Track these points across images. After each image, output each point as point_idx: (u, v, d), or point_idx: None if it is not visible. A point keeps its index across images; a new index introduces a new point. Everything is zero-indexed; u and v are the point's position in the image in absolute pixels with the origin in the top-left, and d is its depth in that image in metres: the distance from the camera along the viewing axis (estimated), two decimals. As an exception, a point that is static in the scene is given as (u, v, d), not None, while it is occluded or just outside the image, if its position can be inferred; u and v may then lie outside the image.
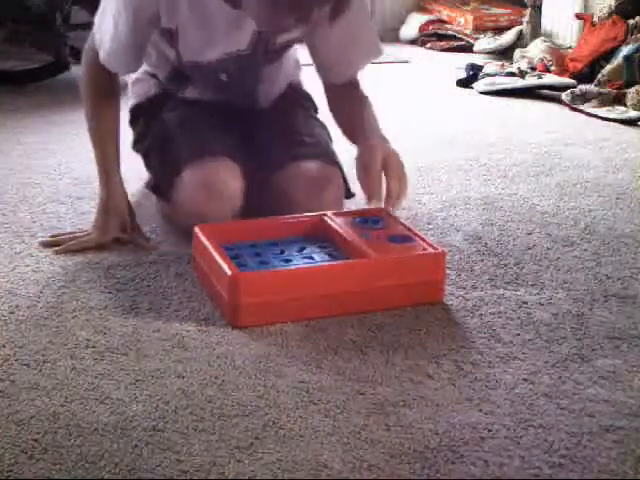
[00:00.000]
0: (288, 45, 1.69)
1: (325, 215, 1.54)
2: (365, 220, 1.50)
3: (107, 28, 1.56)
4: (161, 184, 1.69)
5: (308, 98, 1.89)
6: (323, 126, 1.82)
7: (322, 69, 1.67)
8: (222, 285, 1.34)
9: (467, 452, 1.03)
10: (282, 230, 1.53)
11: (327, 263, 1.43)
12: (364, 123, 1.61)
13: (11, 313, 1.36)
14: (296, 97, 1.85)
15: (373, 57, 1.67)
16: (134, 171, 1.78)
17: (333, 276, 1.37)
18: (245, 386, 1.16)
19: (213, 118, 1.73)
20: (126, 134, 1.77)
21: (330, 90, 1.69)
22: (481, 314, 1.38)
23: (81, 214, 1.78)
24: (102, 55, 1.58)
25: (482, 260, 1.58)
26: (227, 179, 1.58)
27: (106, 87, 1.64)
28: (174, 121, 1.72)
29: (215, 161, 1.60)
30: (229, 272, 1.32)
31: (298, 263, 1.43)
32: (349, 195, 1.71)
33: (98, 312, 1.37)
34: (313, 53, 1.66)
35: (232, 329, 1.31)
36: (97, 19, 1.60)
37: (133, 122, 1.84)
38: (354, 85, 1.68)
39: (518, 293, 1.45)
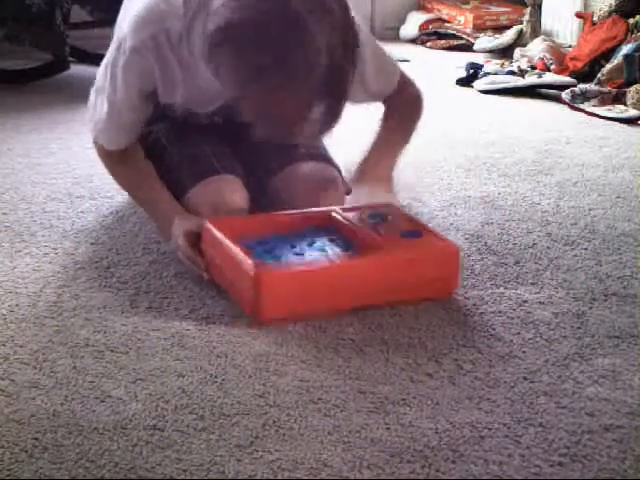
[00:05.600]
0: None
1: (334, 210, 1.54)
2: (374, 215, 1.50)
3: (102, 108, 1.57)
4: None
5: None
6: None
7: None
8: (243, 282, 1.34)
9: (467, 451, 1.03)
10: (291, 224, 1.53)
11: (346, 261, 1.42)
12: (371, 156, 1.62)
13: (11, 312, 1.36)
14: None
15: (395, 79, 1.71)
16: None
17: (352, 273, 1.37)
18: (245, 385, 1.16)
19: (201, 129, 1.71)
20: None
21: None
22: (481, 313, 1.38)
23: (80, 213, 1.78)
24: (96, 134, 1.62)
25: (482, 259, 1.58)
26: (233, 196, 1.58)
27: (132, 159, 1.64)
28: (164, 134, 1.71)
29: (220, 179, 1.60)
30: (253, 270, 1.32)
31: (312, 254, 1.43)
32: (348, 192, 1.71)
33: (98, 311, 1.37)
34: None
35: (232, 328, 1.31)
36: (91, 98, 1.62)
37: None
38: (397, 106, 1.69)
39: (518, 292, 1.45)
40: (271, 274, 1.34)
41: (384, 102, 1.70)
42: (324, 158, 1.69)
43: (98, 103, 1.59)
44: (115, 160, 1.66)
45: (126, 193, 1.80)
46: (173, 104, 1.59)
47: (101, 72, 1.58)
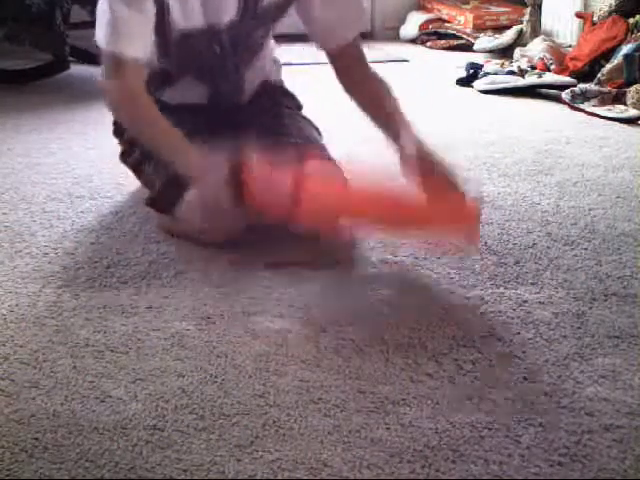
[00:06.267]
0: (274, 12, 1.70)
1: None
2: None
3: (105, 15, 1.56)
4: (161, 201, 1.66)
5: (290, 96, 1.88)
6: (310, 123, 1.82)
7: (313, 34, 1.70)
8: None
9: (467, 451, 1.03)
10: None
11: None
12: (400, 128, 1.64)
13: (11, 312, 1.36)
14: (278, 97, 1.84)
15: (361, 23, 1.75)
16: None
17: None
18: (245, 385, 1.16)
19: (200, 127, 1.71)
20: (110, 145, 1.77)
21: (340, 72, 1.71)
22: (481, 313, 1.38)
23: (80, 213, 1.78)
24: (106, 41, 1.57)
25: (482, 259, 1.58)
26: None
27: (140, 97, 1.60)
28: None
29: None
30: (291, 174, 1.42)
31: None
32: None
33: (98, 311, 1.37)
34: (304, 20, 1.69)
35: (232, 328, 1.31)
36: (98, 17, 1.60)
37: (117, 133, 1.81)
38: (370, 76, 1.71)
39: (518, 292, 1.45)
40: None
41: (341, 71, 1.71)
42: (322, 156, 1.69)
43: (103, 16, 1.58)
44: (124, 94, 1.60)
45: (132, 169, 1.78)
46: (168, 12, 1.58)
47: None
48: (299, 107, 1.90)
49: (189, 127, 1.69)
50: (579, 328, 1.33)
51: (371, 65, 1.73)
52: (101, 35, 1.59)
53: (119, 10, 1.55)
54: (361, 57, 1.72)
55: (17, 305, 1.38)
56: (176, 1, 1.59)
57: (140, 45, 1.58)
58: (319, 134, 1.80)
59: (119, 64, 1.57)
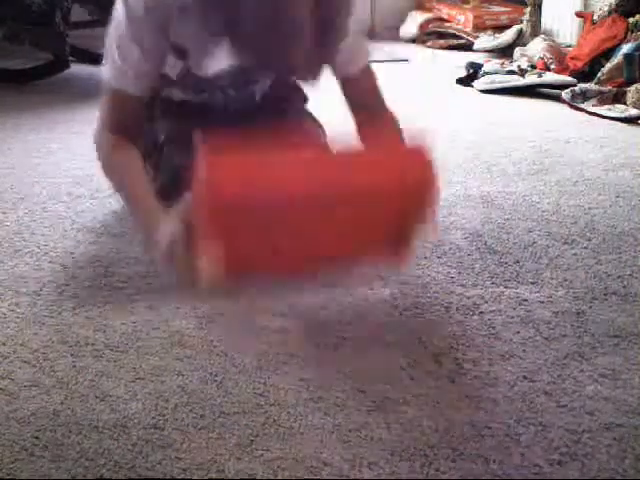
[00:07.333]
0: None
1: None
2: None
3: (114, 51, 1.54)
4: (160, 199, 1.65)
5: (299, 90, 1.88)
6: (314, 119, 1.82)
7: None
8: None
9: (467, 450, 1.03)
10: None
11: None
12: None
13: (11, 311, 1.36)
14: (284, 92, 1.83)
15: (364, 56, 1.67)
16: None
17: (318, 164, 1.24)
18: (245, 384, 1.16)
19: (205, 126, 1.70)
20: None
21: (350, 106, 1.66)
22: (481, 312, 1.38)
23: (80, 212, 1.78)
24: (114, 81, 1.56)
25: (482, 258, 1.58)
26: None
27: (128, 150, 1.57)
28: (165, 134, 1.70)
29: None
30: None
31: None
32: None
33: (98, 310, 1.37)
34: None
35: (232, 326, 1.31)
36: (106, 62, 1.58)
37: None
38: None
39: (518, 291, 1.45)
40: None
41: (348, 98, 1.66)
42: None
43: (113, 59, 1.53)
44: (112, 145, 1.59)
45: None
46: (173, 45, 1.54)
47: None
48: (305, 100, 1.89)
49: (191, 123, 1.69)
50: (579, 327, 1.33)
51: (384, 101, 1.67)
52: (107, 70, 1.57)
53: (130, 48, 1.53)
54: (371, 93, 1.67)
55: (17, 304, 1.38)
56: (196, 49, 1.55)
57: (144, 84, 1.55)
58: (322, 131, 1.80)
59: (119, 100, 1.55)
